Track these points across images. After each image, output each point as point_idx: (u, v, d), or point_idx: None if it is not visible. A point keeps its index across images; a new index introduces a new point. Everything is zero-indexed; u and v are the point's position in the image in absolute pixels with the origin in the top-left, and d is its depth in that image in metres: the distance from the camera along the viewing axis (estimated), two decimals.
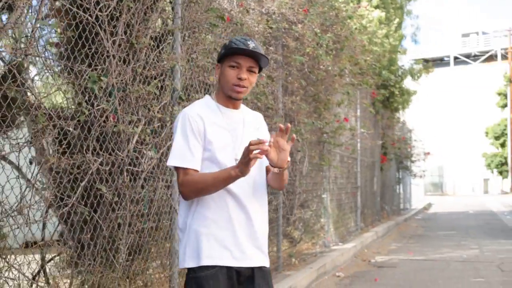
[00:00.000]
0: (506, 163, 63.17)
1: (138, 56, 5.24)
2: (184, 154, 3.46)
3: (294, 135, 3.43)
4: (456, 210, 33.10)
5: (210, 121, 3.51)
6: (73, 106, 4.90)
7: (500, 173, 65.28)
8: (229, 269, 3.44)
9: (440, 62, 75.74)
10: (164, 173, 5.71)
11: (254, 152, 3.19)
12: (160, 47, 5.60)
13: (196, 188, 3.40)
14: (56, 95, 4.99)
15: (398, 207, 25.84)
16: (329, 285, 9.70)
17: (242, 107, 3.70)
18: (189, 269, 3.48)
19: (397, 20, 18.00)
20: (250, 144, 3.17)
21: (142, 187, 5.40)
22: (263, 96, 7.53)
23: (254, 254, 3.52)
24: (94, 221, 4.93)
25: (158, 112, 5.40)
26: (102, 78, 4.54)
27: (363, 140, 15.76)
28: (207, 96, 3.66)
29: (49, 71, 4.65)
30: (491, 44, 73.72)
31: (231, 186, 3.42)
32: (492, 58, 73.18)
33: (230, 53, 3.49)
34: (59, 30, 4.78)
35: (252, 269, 3.52)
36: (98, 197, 4.95)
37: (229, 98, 3.56)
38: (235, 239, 3.46)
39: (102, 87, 4.66)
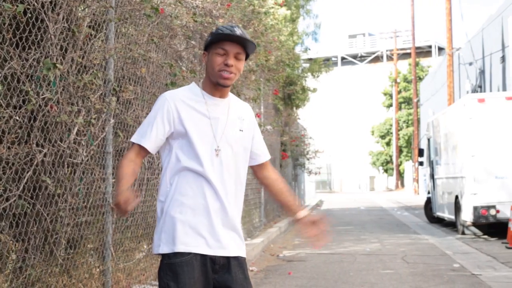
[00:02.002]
0: (391, 161, 65.08)
1: (77, 45, 5.13)
2: (143, 132, 3.51)
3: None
4: (347, 206, 33.85)
5: (190, 108, 3.50)
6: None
7: (386, 171, 67.21)
8: (203, 256, 3.44)
9: (327, 62, 77.03)
10: (101, 166, 5.62)
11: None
12: (97, 37, 5.51)
13: (117, 171, 3.54)
14: None
15: None
16: None
17: (230, 96, 3.69)
18: (163, 255, 3.46)
19: (301, 18, 18.29)
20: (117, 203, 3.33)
21: (80, 179, 5.30)
22: None
23: (229, 244, 3.53)
24: (33, 214, 4.80)
25: (96, 103, 5.31)
26: (58, 65, 4.43)
27: (267, 137, 15.90)
28: (193, 83, 3.64)
29: None
30: (377, 45, 75.74)
31: (210, 175, 3.45)
32: (378, 59, 75.26)
33: (217, 40, 3.49)
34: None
35: (228, 258, 3.52)
36: (37, 189, 4.82)
37: (216, 86, 3.54)
38: (211, 227, 3.47)
39: (51, 76, 4.54)
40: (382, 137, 65.90)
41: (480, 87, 28.64)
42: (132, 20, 6.21)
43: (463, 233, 16.51)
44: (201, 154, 3.45)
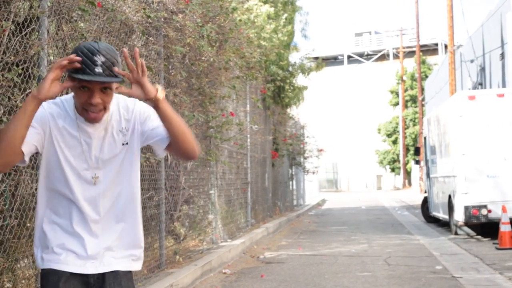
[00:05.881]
0: (398, 160, 64.61)
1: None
2: None
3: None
4: (349, 205, 33.55)
5: (64, 129, 3.22)
6: None
7: (393, 169, 66.74)
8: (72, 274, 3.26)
9: (334, 60, 76.80)
10: (32, 167, 5.36)
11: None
12: (24, 32, 5.23)
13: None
14: None
15: (292, 203, 25.94)
16: (214, 282, 9.49)
17: (112, 105, 3.29)
18: None
19: (285, 15, 17.97)
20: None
21: (2, 181, 5.03)
22: None
23: (99, 261, 3.31)
24: None
25: (20, 101, 5.04)
26: None
27: (253, 135, 15.64)
28: (71, 99, 3.26)
29: None
30: (383, 44, 75.24)
31: (80, 199, 3.24)
32: (384, 57, 74.73)
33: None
34: None
35: (103, 274, 3.30)
36: None
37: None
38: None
39: None
40: (389, 135, 65.44)
41: (481, 84, 28.25)
42: (71, 14, 5.92)
43: (456, 233, 16.20)
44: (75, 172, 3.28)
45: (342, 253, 12.77)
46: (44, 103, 3.13)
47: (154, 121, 3.32)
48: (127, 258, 3.36)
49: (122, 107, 3.34)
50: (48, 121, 3.18)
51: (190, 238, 11.08)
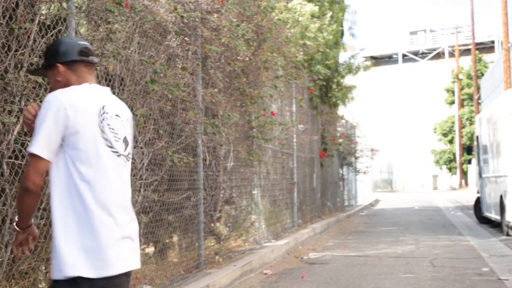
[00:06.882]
0: (454, 160, 63.70)
1: (22, 43, 4.89)
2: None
3: None
4: (402, 206, 33.15)
5: None
6: None
7: (449, 169, 65.82)
8: None
9: (388, 59, 76.17)
10: None
11: None
12: (49, 34, 5.26)
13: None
14: None
15: (342, 203, 25.74)
16: (253, 283, 9.44)
17: None
18: None
19: (330, 14, 17.79)
20: None
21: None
22: (176, 88, 7.22)
23: None
24: None
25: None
26: None
27: (299, 135, 15.54)
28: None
29: None
30: (438, 42, 74.25)
31: None
32: (439, 55, 73.76)
33: None
34: None
35: None
36: None
37: None
38: None
39: None
40: (445, 135, 64.55)
41: None
42: (104, 17, 5.94)
43: (507, 234, 15.83)
44: None
45: (387, 254, 12.59)
46: None
47: None
48: None
49: None
50: None
51: (232, 239, 11.05)
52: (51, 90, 3.42)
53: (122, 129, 3.48)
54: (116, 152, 3.40)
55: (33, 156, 3.23)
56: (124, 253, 3.36)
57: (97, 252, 3.23)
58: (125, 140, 3.48)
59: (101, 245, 3.24)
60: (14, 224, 3.40)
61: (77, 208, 3.24)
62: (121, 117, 3.49)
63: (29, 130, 3.42)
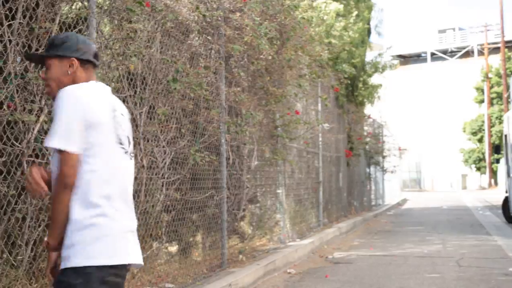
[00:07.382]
0: (483, 159, 63.18)
1: (42, 42, 4.92)
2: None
3: None
4: (430, 205, 32.93)
5: None
6: None
7: (478, 169, 65.27)
8: None
9: (417, 58, 75.71)
10: None
11: None
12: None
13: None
14: None
15: (369, 203, 25.63)
16: (276, 282, 9.42)
17: None
18: None
19: (355, 12, 17.70)
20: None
21: None
22: (198, 87, 7.22)
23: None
24: None
25: None
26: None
27: (325, 134, 15.49)
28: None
29: None
30: (467, 40, 73.60)
31: None
32: (468, 54, 73.13)
33: None
34: None
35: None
36: None
37: None
38: None
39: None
40: (474, 134, 64.03)
41: None
42: (127, 16, 5.95)
43: None
44: None
45: (413, 254, 12.51)
46: None
47: None
48: None
49: None
50: None
51: (257, 238, 11.04)
52: (50, 80, 3.46)
53: (127, 127, 3.51)
54: (124, 148, 3.43)
55: (62, 152, 3.25)
56: (130, 245, 3.40)
57: (105, 242, 3.25)
58: (129, 139, 3.52)
59: (109, 235, 3.26)
60: (45, 244, 3.38)
61: (86, 199, 3.26)
62: (124, 116, 3.53)
63: (32, 195, 3.53)
